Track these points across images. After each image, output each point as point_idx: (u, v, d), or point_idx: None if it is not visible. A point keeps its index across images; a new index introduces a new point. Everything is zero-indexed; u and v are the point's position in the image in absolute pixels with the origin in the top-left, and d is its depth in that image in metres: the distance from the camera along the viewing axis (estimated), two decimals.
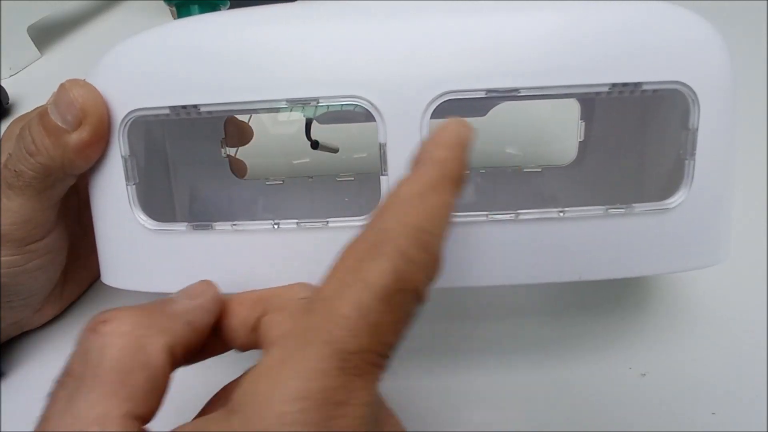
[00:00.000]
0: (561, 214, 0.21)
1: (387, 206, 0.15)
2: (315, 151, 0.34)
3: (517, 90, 0.20)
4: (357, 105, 0.20)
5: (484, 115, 0.26)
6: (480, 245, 0.21)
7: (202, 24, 0.22)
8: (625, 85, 0.20)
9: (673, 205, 0.21)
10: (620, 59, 0.20)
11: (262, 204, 0.33)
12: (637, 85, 0.20)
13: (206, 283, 0.19)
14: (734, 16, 0.52)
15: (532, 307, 0.29)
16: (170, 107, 0.21)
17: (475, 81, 0.20)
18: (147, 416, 0.15)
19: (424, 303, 0.14)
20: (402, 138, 0.20)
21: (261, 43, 0.20)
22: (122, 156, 0.21)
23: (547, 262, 0.21)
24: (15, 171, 0.21)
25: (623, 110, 0.28)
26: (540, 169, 0.31)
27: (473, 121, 0.24)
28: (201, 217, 0.31)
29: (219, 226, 0.21)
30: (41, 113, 0.21)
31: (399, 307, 0.14)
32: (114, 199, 0.22)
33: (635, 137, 0.27)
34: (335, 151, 0.34)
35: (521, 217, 0.21)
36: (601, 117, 0.29)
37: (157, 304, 0.17)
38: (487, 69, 0.20)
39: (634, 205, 0.21)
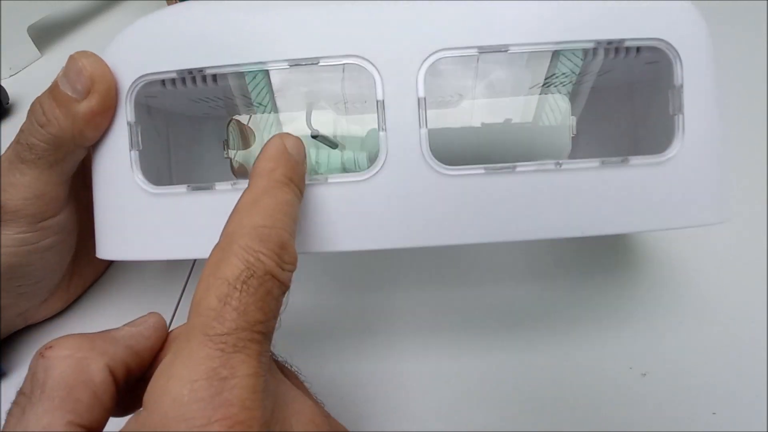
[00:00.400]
0: (558, 167, 0.21)
1: (230, 216, 0.18)
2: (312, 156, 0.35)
3: (506, 47, 0.21)
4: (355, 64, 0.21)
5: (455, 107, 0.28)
6: (478, 200, 0.21)
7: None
8: (609, 42, 0.21)
9: (667, 156, 0.22)
10: (603, 17, 0.21)
11: None
12: (621, 41, 0.21)
13: (153, 315, 0.19)
14: (734, 16, 0.52)
15: (531, 307, 0.29)
16: (177, 71, 0.22)
17: (466, 39, 0.21)
18: (93, 427, 0.16)
19: (285, 282, 0.17)
20: (399, 94, 0.21)
21: (262, 8, 0.21)
22: (128, 122, 0.22)
23: (544, 216, 0.21)
24: (27, 144, 0.22)
25: (611, 99, 0.29)
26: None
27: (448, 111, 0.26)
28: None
29: (219, 186, 0.22)
30: (52, 86, 0.22)
31: (256, 290, 0.16)
32: (115, 165, 0.22)
33: (625, 124, 0.28)
34: (335, 146, 0.34)
35: (518, 169, 0.21)
36: (591, 110, 0.30)
37: (101, 332, 0.18)
38: (477, 27, 0.21)
39: (629, 157, 0.21)
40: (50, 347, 0.17)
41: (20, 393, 0.16)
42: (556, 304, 0.29)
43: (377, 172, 0.21)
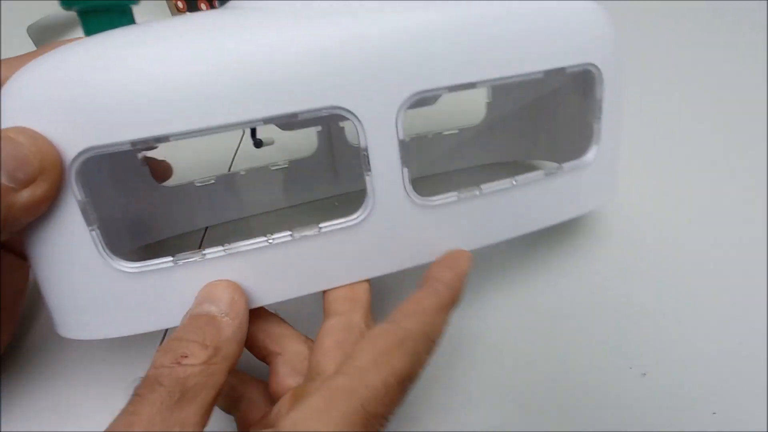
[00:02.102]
0: (515, 184, 0.25)
1: (411, 312, 0.20)
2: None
3: (474, 84, 0.22)
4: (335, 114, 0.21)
5: (434, 104, 0.28)
6: (452, 221, 0.24)
7: (159, 35, 0.19)
8: (556, 70, 0.24)
9: (590, 160, 0.27)
10: (552, 51, 0.24)
11: (202, 208, 0.34)
12: (563, 69, 0.24)
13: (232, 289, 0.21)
14: (734, 16, 0.52)
15: (531, 307, 0.29)
16: (132, 141, 0.18)
17: (439, 80, 0.22)
18: None
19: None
20: (379, 139, 0.21)
21: (230, 60, 0.19)
22: (79, 201, 0.19)
23: (505, 222, 0.26)
24: None
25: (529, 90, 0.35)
26: (457, 131, 0.38)
27: (425, 110, 0.28)
28: (143, 236, 0.32)
29: (210, 254, 0.21)
30: None
31: (406, 390, 0.18)
32: (72, 244, 0.19)
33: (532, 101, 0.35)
34: (272, 142, 0.35)
35: (485, 190, 0.24)
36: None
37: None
38: (449, 68, 0.22)
39: (563, 165, 0.26)
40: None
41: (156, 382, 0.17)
42: (556, 303, 0.29)
43: (368, 215, 0.22)
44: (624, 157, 0.29)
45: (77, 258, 0.20)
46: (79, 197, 0.19)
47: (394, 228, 0.23)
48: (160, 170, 0.31)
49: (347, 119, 0.21)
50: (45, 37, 0.53)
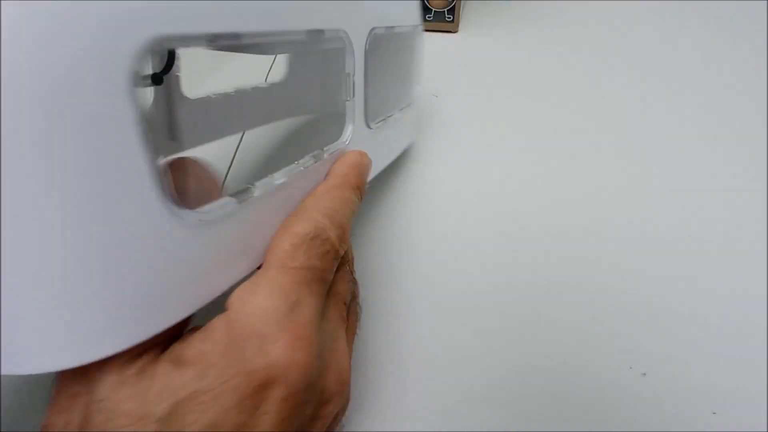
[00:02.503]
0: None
1: (306, 197, 0.22)
2: None
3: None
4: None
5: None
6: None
7: None
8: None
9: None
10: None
11: None
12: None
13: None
14: (734, 16, 0.52)
15: (531, 306, 0.29)
16: (208, 35, 0.16)
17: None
18: None
19: (339, 253, 0.21)
20: (357, 67, 0.24)
21: None
22: (137, 116, 0.13)
23: None
24: None
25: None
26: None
27: None
28: None
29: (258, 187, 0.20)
30: None
31: (319, 247, 0.20)
32: (124, 192, 0.14)
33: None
34: None
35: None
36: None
37: None
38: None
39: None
40: None
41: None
42: (555, 303, 0.29)
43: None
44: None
45: (131, 207, 0.14)
46: (135, 111, 0.13)
47: None
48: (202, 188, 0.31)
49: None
50: None
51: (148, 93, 0.24)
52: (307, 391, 0.17)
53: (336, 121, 0.26)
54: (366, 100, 0.27)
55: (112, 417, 0.14)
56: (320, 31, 0.22)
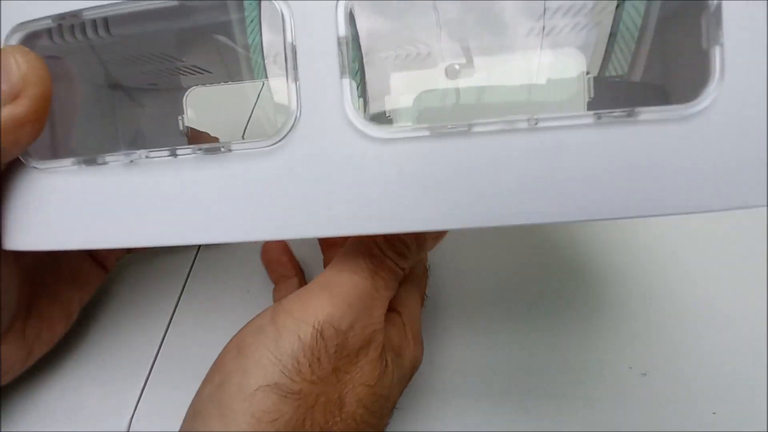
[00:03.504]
0: (533, 124, 0.15)
1: None
2: None
3: None
4: None
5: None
6: (422, 173, 0.16)
7: None
8: None
9: (698, 107, 0.14)
10: None
11: None
12: None
13: None
14: None
15: (531, 307, 0.29)
16: (52, 17, 0.18)
17: None
18: None
19: (404, 269, 0.21)
20: (312, 33, 0.16)
21: None
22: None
23: (514, 195, 0.15)
24: None
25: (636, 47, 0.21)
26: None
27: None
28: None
29: (111, 158, 0.18)
30: None
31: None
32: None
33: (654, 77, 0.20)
34: None
35: (476, 129, 0.15)
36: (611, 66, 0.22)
37: None
38: None
39: (638, 109, 0.14)
40: None
41: None
42: (555, 303, 0.29)
43: (285, 137, 0.16)
44: None
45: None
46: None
47: (324, 165, 0.16)
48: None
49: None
50: None
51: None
52: None
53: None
54: None
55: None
56: None
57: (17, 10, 0.18)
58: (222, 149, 0.17)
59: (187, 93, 0.27)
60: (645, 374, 0.25)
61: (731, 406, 0.24)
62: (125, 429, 0.24)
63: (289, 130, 0.16)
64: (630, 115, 0.14)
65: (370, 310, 0.19)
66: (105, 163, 0.18)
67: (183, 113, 0.26)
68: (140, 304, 0.29)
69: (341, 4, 0.16)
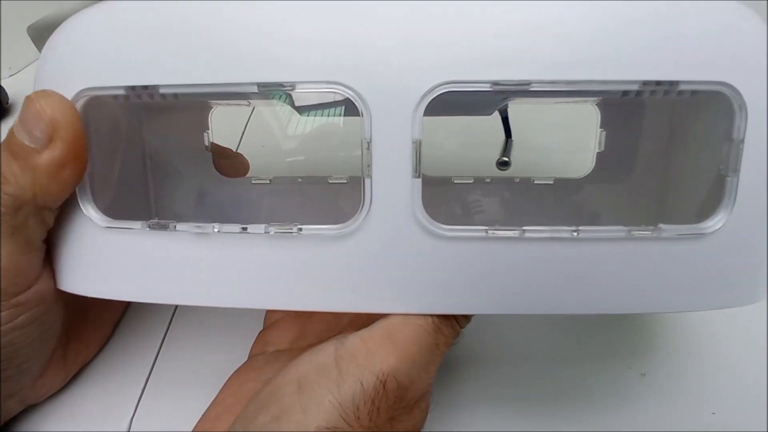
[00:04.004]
0: (574, 234, 0.17)
1: None
2: (310, 149, 0.32)
3: (528, 83, 0.17)
4: (338, 94, 0.17)
5: (490, 114, 0.23)
6: (477, 268, 0.18)
7: None
8: (658, 83, 0.17)
9: (711, 230, 0.18)
10: (654, 52, 0.16)
11: (247, 206, 0.30)
12: (673, 84, 0.17)
13: None
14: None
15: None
16: (125, 87, 0.18)
17: (479, 70, 0.17)
18: None
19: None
20: (389, 135, 0.17)
21: (228, 16, 0.18)
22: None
23: (554, 291, 0.18)
24: None
25: (651, 118, 0.25)
26: (552, 181, 0.28)
27: (477, 120, 0.21)
28: (177, 216, 0.28)
29: (181, 227, 0.19)
30: (7, 136, 0.18)
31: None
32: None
33: (663, 150, 0.24)
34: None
35: (527, 234, 0.17)
36: (624, 125, 0.26)
37: None
38: (494, 57, 0.16)
39: (662, 226, 0.17)
40: None
41: None
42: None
43: (358, 228, 0.18)
44: None
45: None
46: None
47: (390, 252, 0.18)
48: (235, 165, 0.30)
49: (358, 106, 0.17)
50: (45, 37, 0.53)
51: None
52: None
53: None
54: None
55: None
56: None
57: (86, 76, 0.18)
58: (293, 231, 0.18)
59: (212, 111, 0.28)
60: (645, 374, 0.25)
61: (731, 406, 0.24)
62: (125, 429, 0.24)
63: (361, 221, 0.18)
64: (655, 231, 0.18)
65: (429, 365, 0.19)
66: (175, 230, 0.19)
67: (207, 129, 0.27)
68: (141, 303, 0.29)
69: (420, 110, 0.17)
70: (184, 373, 0.26)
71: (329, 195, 0.30)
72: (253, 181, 0.30)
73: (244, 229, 0.19)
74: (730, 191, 0.17)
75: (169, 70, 0.18)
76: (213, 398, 0.22)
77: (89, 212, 0.19)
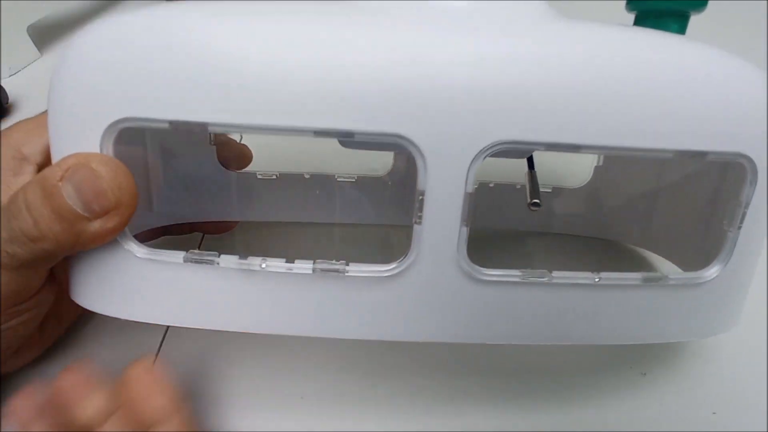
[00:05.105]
0: (596, 280, 0.20)
1: None
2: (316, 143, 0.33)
3: (577, 147, 0.18)
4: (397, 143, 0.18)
5: (523, 157, 0.24)
6: (510, 307, 0.20)
7: (214, 19, 0.18)
8: (690, 152, 0.18)
9: (710, 277, 0.20)
10: (691, 127, 0.18)
11: (250, 202, 0.30)
12: (704, 154, 0.18)
13: None
14: (734, 16, 0.52)
15: None
16: (171, 121, 0.17)
17: (535, 133, 0.17)
18: None
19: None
20: (443, 186, 0.18)
21: (289, 58, 0.17)
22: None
23: (575, 326, 0.21)
24: (7, 253, 0.18)
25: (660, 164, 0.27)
26: (550, 189, 0.31)
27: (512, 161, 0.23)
28: (177, 210, 0.29)
29: (224, 262, 0.19)
30: (48, 190, 0.17)
31: None
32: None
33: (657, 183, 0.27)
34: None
35: (555, 280, 0.20)
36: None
37: None
38: (549, 121, 0.17)
39: (670, 276, 0.20)
40: None
41: None
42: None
43: (405, 270, 0.19)
44: None
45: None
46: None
47: (433, 293, 0.19)
48: (238, 155, 0.30)
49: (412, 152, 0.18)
50: (45, 37, 0.53)
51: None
52: None
53: None
54: None
55: None
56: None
57: (127, 101, 0.17)
58: (339, 271, 0.19)
59: None
60: (645, 374, 0.25)
61: (731, 406, 0.24)
62: None
63: (408, 264, 0.19)
64: (663, 279, 0.20)
65: None
66: (217, 264, 0.19)
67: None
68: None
69: (476, 165, 0.18)
70: (185, 372, 0.26)
71: (335, 193, 0.30)
72: (259, 176, 0.30)
73: (290, 268, 0.19)
74: (730, 245, 0.20)
75: (221, 108, 0.17)
76: (213, 398, 0.22)
77: (130, 246, 0.19)
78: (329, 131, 0.17)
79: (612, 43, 0.18)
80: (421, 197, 0.18)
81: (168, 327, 0.28)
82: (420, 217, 0.18)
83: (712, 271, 0.20)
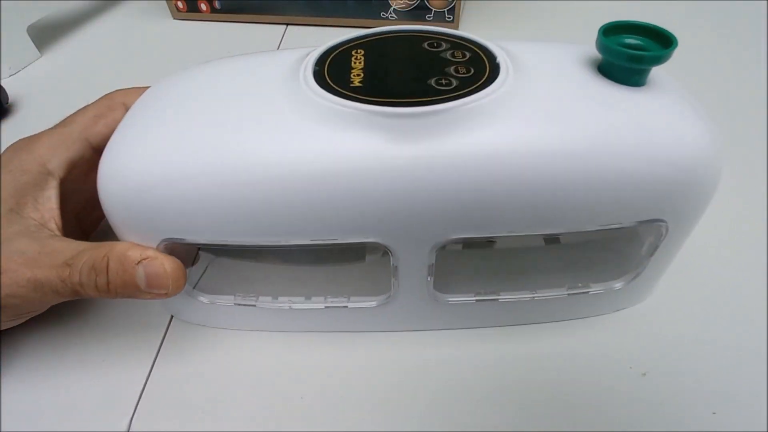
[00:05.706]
0: (533, 296, 0.26)
1: None
2: None
3: (513, 234, 0.22)
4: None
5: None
6: (465, 312, 0.27)
7: (238, 161, 0.21)
8: (613, 228, 0.22)
9: (617, 287, 0.27)
10: (613, 207, 0.22)
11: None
12: (622, 228, 0.23)
13: None
14: (734, 16, 0.52)
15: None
16: (202, 244, 0.23)
17: (474, 230, 0.22)
18: None
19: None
20: (411, 265, 0.24)
21: (295, 190, 0.21)
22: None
23: (516, 316, 0.28)
24: (75, 289, 0.23)
25: None
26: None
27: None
28: None
29: (261, 303, 0.26)
30: (125, 267, 0.22)
31: None
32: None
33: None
34: None
35: (501, 300, 0.26)
36: None
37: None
38: (485, 220, 0.22)
39: (591, 285, 0.26)
40: None
41: None
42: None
43: (387, 301, 0.26)
44: None
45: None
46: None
47: (411, 315, 0.27)
48: None
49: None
50: (45, 37, 0.53)
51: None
52: None
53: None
54: None
55: None
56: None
57: (171, 227, 0.22)
58: (342, 305, 0.26)
59: None
60: (645, 374, 0.25)
61: (731, 406, 0.24)
62: (125, 429, 0.24)
63: (391, 299, 0.26)
64: (585, 289, 0.27)
65: None
66: (255, 306, 0.27)
67: None
68: (141, 302, 0.29)
69: (433, 253, 0.23)
70: (185, 372, 0.26)
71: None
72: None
73: (309, 306, 0.26)
74: (640, 271, 0.26)
75: (240, 232, 0.22)
76: (213, 398, 0.22)
77: (200, 298, 0.27)
78: (323, 244, 0.23)
79: (537, 140, 0.21)
80: (395, 268, 0.24)
81: (168, 327, 0.28)
82: (397, 281, 0.25)
83: (620, 283, 0.27)
